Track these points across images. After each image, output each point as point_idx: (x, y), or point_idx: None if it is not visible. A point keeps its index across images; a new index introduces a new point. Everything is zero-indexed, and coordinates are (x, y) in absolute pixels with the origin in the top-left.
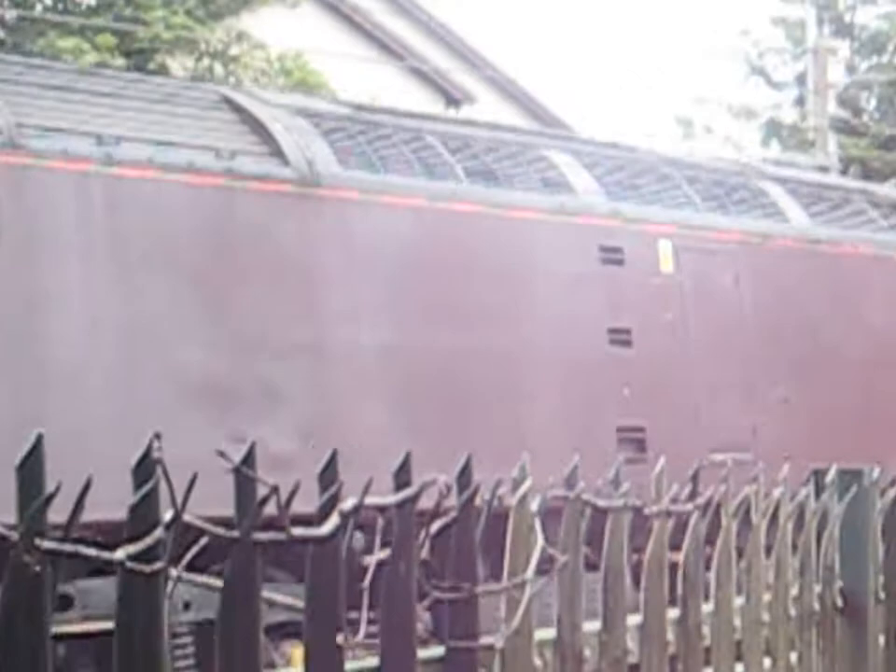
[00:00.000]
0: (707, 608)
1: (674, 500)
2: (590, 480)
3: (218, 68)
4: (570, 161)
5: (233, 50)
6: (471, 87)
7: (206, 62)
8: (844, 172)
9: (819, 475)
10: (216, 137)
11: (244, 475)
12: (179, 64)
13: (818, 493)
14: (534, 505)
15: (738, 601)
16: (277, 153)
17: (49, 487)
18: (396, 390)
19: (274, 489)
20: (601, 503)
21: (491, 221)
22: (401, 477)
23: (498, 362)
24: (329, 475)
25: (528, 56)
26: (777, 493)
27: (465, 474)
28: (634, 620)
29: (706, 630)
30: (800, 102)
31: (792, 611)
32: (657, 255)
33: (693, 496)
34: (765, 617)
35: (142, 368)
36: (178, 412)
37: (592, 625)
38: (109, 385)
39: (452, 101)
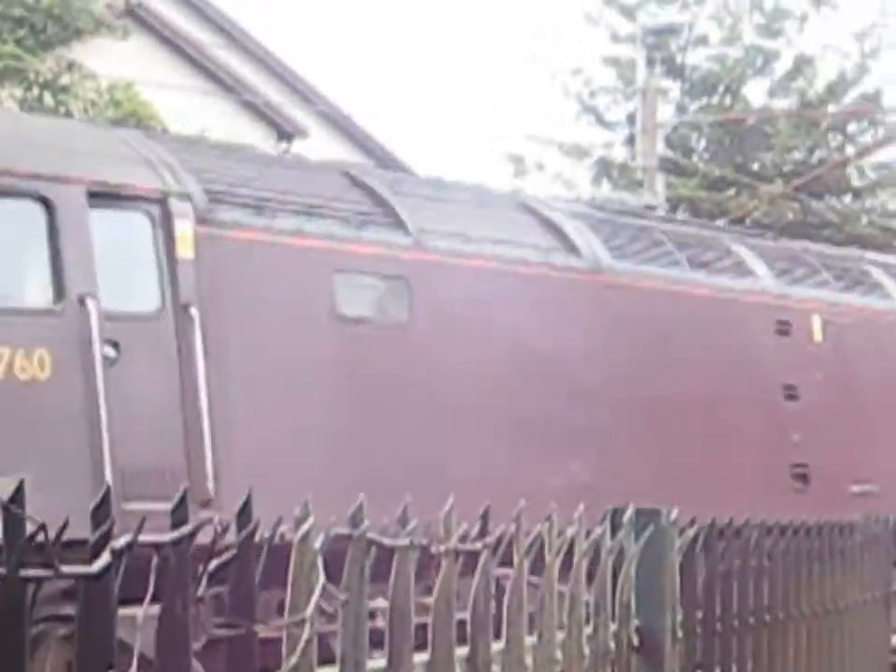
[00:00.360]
0: (498, 646)
1: (463, 539)
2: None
3: (48, 98)
4: (747, 252)
5: (64, 80)
6: (304, 122)
7: (36, 91)
8: (672, 211)
9: (615, 514)
10: (531, 235)
11: (11, 512)
12: (8, 94)
13: (613, 531)
14: (317, 542)
15: (530, 640)
16: (572, 248)
17: None
18: (654, 434)
19: (42, 526)
20: (387, 541)
21: (703, 300)
22: (178, 515)
23: (704, 412)
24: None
25: (364, 93)
26: (570, 531)
27: (245, 511)
28: (421, 658)
29: (496, 669)
30: (630, 141)
31: (587, 650)
32: (811, 327)
33: (482, 534)
34: (558, 655)
35: (503, 420)
36: (523, 450)
37: (377, 663)
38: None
39: (284, 135)
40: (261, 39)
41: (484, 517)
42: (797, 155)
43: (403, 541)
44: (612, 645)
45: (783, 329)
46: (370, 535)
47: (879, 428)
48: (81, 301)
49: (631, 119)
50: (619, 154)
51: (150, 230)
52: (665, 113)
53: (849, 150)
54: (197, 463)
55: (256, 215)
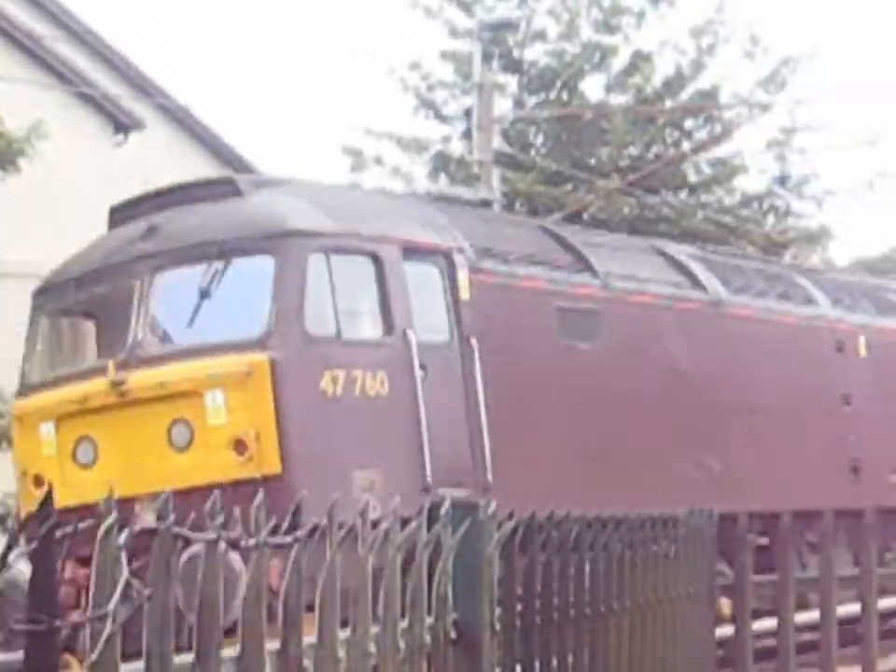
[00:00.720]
0: (310, 639)
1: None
2: (831, 495)
3: None
4: (809, 284)
5: None
6: (143, 114)
7: None
8: (510, 206)
9: (432, 508)
10: (670, 274)
11: None
12: None
13: (430, 525)
14: (121, 538)
15: (344, 633)
16: (700, 285)
17: None
18: (759, 434)
19: None
20: (193, 536)
21: (786, 327)
22: None
23: (792, 415)
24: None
25: (203, 86)
26: (384, 525)
27: (46, 506)
28: (230, 652)
29: (307, 663)
30: (468, 135)
31: (402, 643)
32: (858, 345)
33: (293, 528)
34: (372, 649)
35: (666, 426)
36: (678, 450)
37: (183, 658)
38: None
39: (121, 127)
40: (99, 31)
41: (296, 511)
42: (633, 150)
43: (210, 536)
44: (428, 638)
45: (840, 346)
46: (175, 530)
47: None
48: (404, 334)
49: (468, 113)
50: (456, 149)
51: (440, 277)
52: (503, 107)
53: (686, 146)
54: (479, 459)
55: (502, 263)
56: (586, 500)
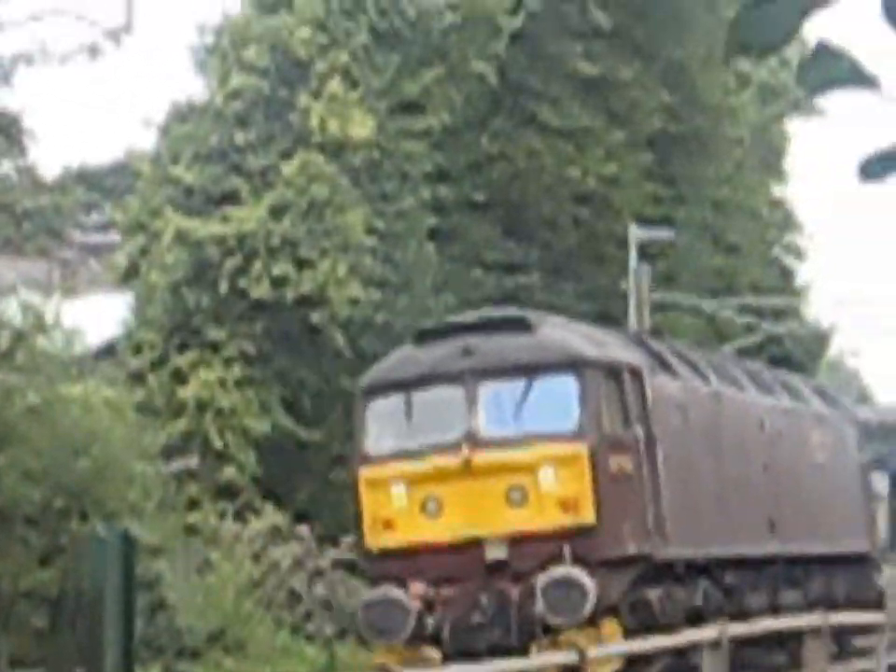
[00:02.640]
0: None
1: None
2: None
3: None
4: (749, 378)
5: None
6: None
7: None
8: None
9: None
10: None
11: None
12: None
13: None
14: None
15: None
16: (701, 373)
17: None
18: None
19: None
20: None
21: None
22: None
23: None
24: None
25: None
26: None
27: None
28: None
29: None
30: None
31: None
32: (764, 423)
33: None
34: None
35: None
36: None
37: None
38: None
39: None
40: None
41: None
42: None
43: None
44: None
45: (760, 425)
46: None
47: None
48: (636, 428)
49: None
50: None
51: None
52: None
53: None
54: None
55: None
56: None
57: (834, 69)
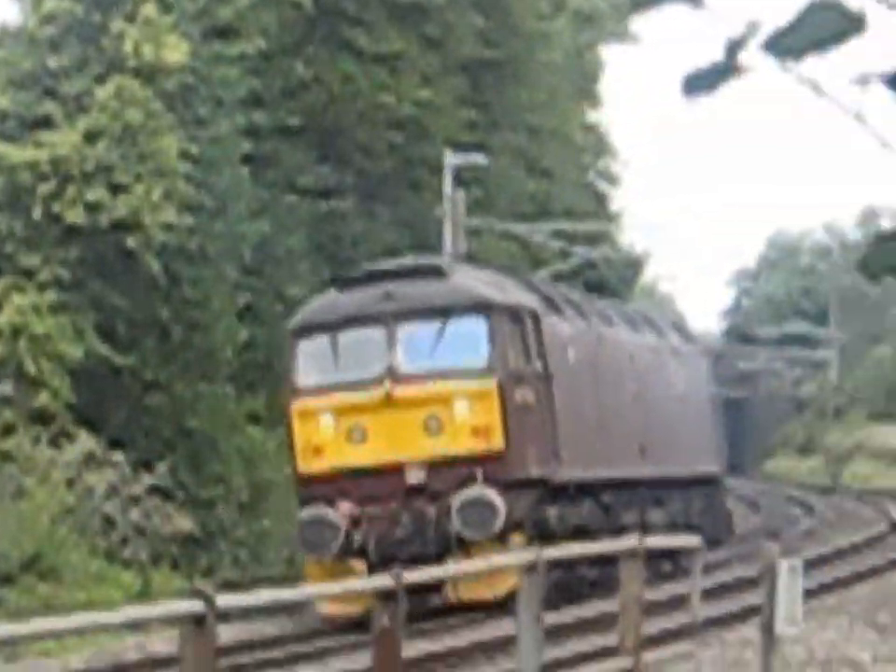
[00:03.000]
0: None
1: None
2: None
3: None
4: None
5: None
6: None
7: None
8: None
9: None
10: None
11: None
12: None
13: None
14: None
15: None
16: (583, 314)
17: None
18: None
19: None
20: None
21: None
22: None
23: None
24: None
25: None
26: None
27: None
28: None
29: None
30: None
31: None
32: (636, 357)
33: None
34: None
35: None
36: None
37: None
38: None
39: None
40: None
41: None
42: None
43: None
44: None
45: (632, 360)
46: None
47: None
48: (537, 363)
49: None
50: None
51: (534, 325)
52: None
53: None
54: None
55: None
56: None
57: None
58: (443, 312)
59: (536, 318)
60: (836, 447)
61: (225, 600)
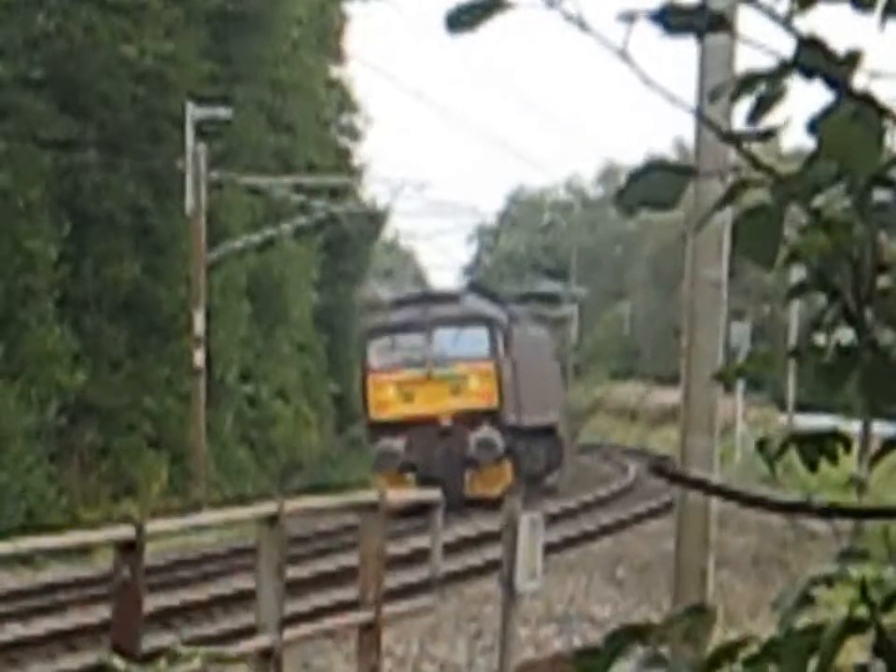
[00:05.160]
0: None
1: None
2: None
3: None
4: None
5: None
6: None
7: None
8: None
9: None
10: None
11: None
12: None
13: None
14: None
15: None
16: (523, 323)
17: None
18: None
19: None
20: None
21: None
22: None
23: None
24: None
25: None
26: None
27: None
28: None
29: None
30: None
31: None
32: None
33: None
34: None
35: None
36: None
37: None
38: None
39: None
40: None
41: None
42: None
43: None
44: None
45: (535, 346)
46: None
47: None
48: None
49: None
50: None
51: (503, 332)
52: None
53: None
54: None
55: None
56: None
57: None
58: (461, 322)
59: (509, 326)
60: (576, 404)
61: None
